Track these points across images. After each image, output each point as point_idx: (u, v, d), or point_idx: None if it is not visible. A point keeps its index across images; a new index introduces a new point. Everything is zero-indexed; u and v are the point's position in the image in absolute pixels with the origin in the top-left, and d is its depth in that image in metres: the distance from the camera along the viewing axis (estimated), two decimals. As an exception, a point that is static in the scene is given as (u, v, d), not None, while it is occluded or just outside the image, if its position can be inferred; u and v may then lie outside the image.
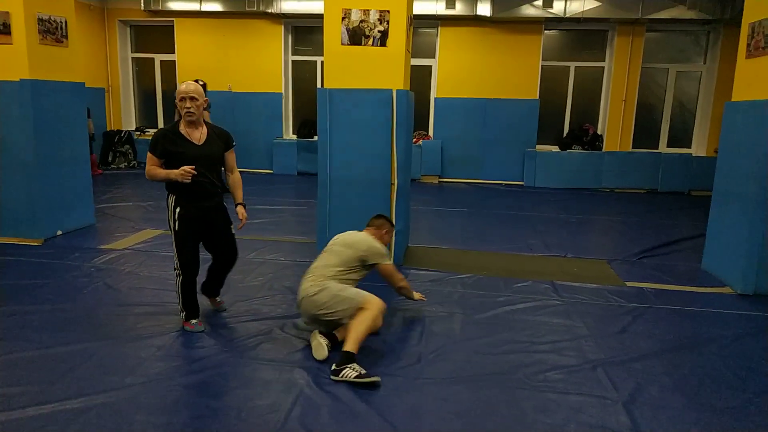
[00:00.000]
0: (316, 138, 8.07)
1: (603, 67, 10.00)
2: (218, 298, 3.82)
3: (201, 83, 8.87)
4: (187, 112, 3.21)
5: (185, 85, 3.25)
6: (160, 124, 11.46)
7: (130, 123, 11.45)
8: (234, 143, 3.51)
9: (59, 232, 5.53)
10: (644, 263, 5.24)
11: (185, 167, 3.14)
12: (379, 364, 3.11)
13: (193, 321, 3.46)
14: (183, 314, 3.48)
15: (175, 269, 3.43)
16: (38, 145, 5.20)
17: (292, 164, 10.27)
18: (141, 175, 9.75)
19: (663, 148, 10.10)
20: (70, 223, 5.70)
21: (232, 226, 3.55)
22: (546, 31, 9.82)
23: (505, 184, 9.90)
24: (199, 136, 3.30)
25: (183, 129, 3.28)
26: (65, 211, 5.61)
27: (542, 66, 9.78)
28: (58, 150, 5.45)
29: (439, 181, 10.06)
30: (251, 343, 3.34)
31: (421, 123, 10.21)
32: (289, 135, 10.77)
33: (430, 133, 10.33)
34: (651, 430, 2.55)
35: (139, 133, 11.15)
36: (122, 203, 7.36)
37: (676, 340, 3.56)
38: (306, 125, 10.56)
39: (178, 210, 3.31)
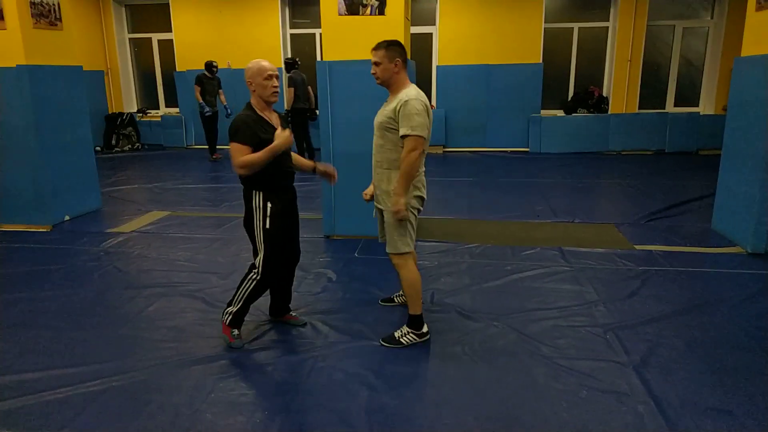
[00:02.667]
0: (318, 112, 8.07)
1: (607, 27, 9.78)
2: (293, 313, 3.37)
3: (214, 65, 8.86)
4: (274, 92, 2.85)
5: (263, 63, 2.83)
6: (162, 105, 11.41)
7: (131, 105, 11.39)
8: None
9: (67, 218, 5.55)
10: (653, 225, 5.21)
11: (280, 131, 2.80)
12: (386, 330, 3.13)
13: (235, 332, 3.07)
14: (228, 318, 3.05)
15: (254, 268, 3.01)
16: (40, 130, 5.17)
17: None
18: (145, 158, 9.84)
19: (670, 107, 9.94)
20: (77, 207, 5.71)
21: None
22: (548, -8, 9.60)
23: (511, 151, 9.82)
24: (275, 119, 2.95)
25: (262, 113, 2.89)
26: (71, 195, 5.62)
27: (545, 28, 9.57)
28: (60, 135, 5.43)
29: (444, 152, 9.98)
30: (264, 319, 3.36)
31: (423, 92, 10.05)
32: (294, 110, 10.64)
33: (433, 102, 10.20)
34: (663, 393, 2.56)
35: (141, 114, 11.10)
36: (128, 186, 7.37)
37: (686, 301, 3.54)
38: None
39: (269, 206, 2.90)
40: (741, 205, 4.58)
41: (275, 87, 2.85)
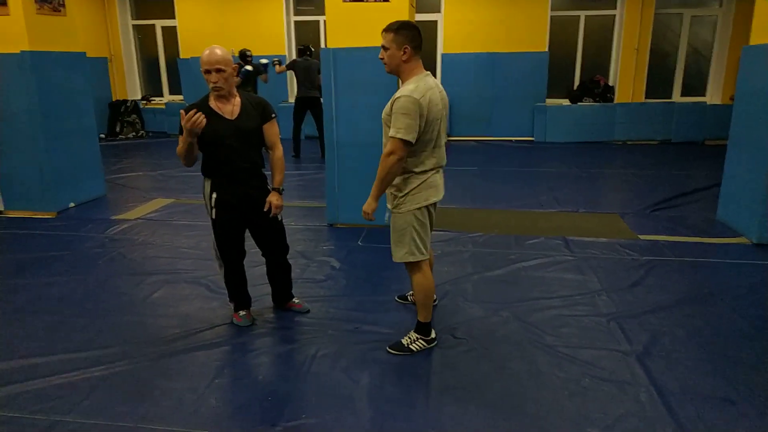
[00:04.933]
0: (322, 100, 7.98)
1: (614, 15, 9.68)
2: (295, 300, 3.37)
3: (248, 54, 8.34)
4: (214, 87, 2.76)
5: (209, 53, 2.72)
6: (166, 92, 11.39)
7: (135, 92, 11.37)
8: (274, 114, 2.98)
9: (72, 204, 5.57)
10: (657, 216, 5.19)
11: (189, 114, 2.63)
12: (391, 323, 3.14)
13: (241, 313, 3.17)
14: (232, 305, 3.22)
15: (216, 260, 3.13)
16: (44, 117, 5.17)
17: (299, 128, 10.16)
18: (150, 145, 9.83)
19: (677, 97, 9.86)
20: (82, 194, 5.73)
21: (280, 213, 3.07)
22: (555, -20, 9.50)
23: (515, 140, 9.77)
24: (231, 109, 2.85)
25: (213, 103, 2.84)
26: (76, 182, 5.63)
27: (551, 16, 9.48)
28: (64, 121, 5.43)
29: (448, 140, 9.95)
30: (269, 305, 3.37)
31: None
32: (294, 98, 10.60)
33: (438, 90, 10.13)
34: (665, 382, 2.57)
35: (145, 102, 11.08)
36: (132, 173, 7.38)
37: (690, 291, 3.54)
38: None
39: (214, 196, 2.90)
40: (747, 196, 4.55)
41: (213, 82, 2.74)
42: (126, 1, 10.93)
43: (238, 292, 3.17)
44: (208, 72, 2.74)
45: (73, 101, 5.55)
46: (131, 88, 11.31)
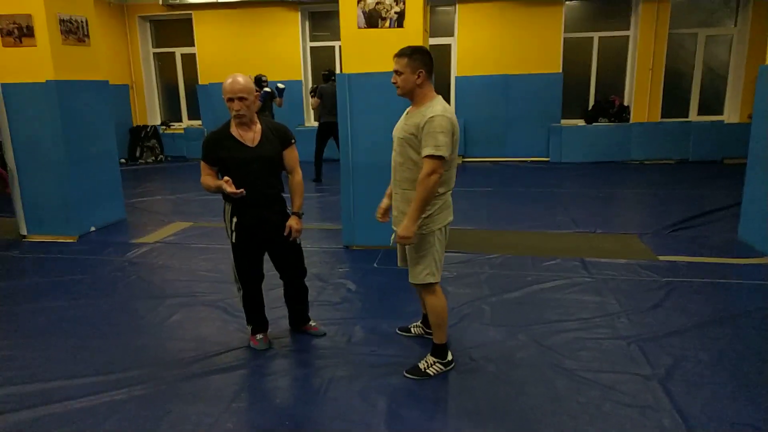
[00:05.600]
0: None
1: (628, 36, 9.71)
2: (312, 323, 3.37)
3: (264, 79, 8.35)
4: (236, 115, 2.80)
5: (231, 82, 2.77)
6: (185, 118, 11.60)
7: (155, 118, 11.61)
8: (293, 140, 3.02)
9: (93, 228, 5.67)
10: (677, 236, 5.12)
11: (230, 187, 2.73)
12: (407, 346, 3.12)
13: (258, 336, 3.17)
14: (249, 329, 3.22)
15: (235, 282, 3.13)
16: (67, 143, 5.31)
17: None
18: (169, 169, 9.99)
19: (693, 116, 9.79)
20: (102, 218, 5.83)
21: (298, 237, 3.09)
22: (567, 2, 9.56)
23: (531, 161, 9.76)
24: (252, 136, 2.88)
25: (234, 130, 2.87)
26: (97, 207, 5.74)
27: (565, 38, 9.54)
28: (86, 147, 5.56)
29: (463, 161, 9.96)
30: (285, 329, 3.38)
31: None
32: (311, 122, 10.77)
33: (452, 112, 10.19)
34: (688, 406, 2.51)
35: (164, 127, 11.30)
36: (151, 197, 7.50)
37: (712, 313, 3.47)
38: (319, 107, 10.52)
39: (234, 220, 2.94)
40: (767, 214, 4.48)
41: (236, 110, 2.78)
42: (147, 30, 11.24)
43: (255, 315, 3.18)
44: (230, 100, 2.78)
45: (95, 127, 5.68)
46: (151, 114, 11.55)
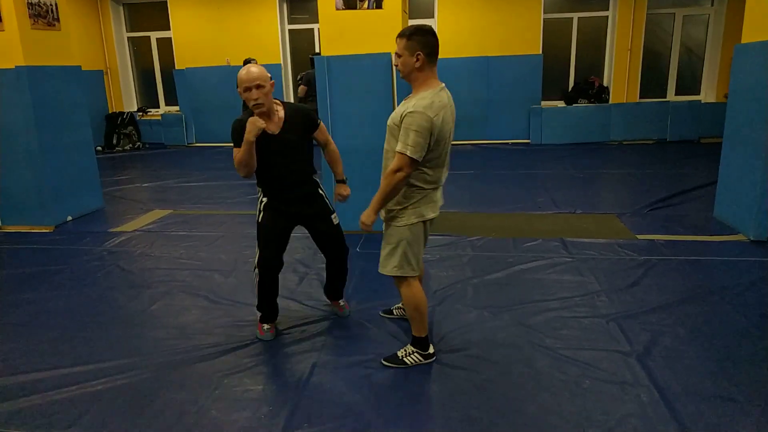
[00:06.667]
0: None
1: (607, 17, 9.73)
2: (341, 302, 3.41)
3: (253, 61, 8.29)
4: (255, 105, 2.75)
5: (246, 72, 2.74)
6: (162, 103, 11.41)
7: (131, 104, 11.39)
8: (319, 121, 3.03)
9: (69, 218, 5.57)
10: (655, 215, 5.20)
11: (252, 119, 2.72)
12: (389, 329, 3.14)
13: (265, 326, 3.13)
14: (258, 315, 3.18)
15: (254, 267, 3.05)
16: (40, 132, 5.18)
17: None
18: (147, 156, 9.85)
19: (671, 96, 9.90)
20: (80, 207, 5.73)
21: (333, 216, 3.11)
22: (547, -18, 9.55)
23: (511, 143, 9.79)
24: (275, 124, 2.86)
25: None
26: (73, 196, 5.63)
27: (544, 19, 9.53)
28: (60, 135, 5.43)
29: (445, 144, 9.94)
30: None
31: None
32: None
33: (433, 95, 10.16)
34: (666, 382, 2.56)
35: (141, 113, 11.10)
36: (129, 185, 7.38)
37: (689, 290, 3.54)
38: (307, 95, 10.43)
39: (264, 201, 2.97)
40: (743, 193, 4.56)
41: (254, 99, 2.75)
42: (121, 14, 10.97)
43: (267, 303, 3.12)
44: (248, 89, 2.74)
45: (69, 115, 5.55)
46: (127, 100, 11.33)
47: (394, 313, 3.33)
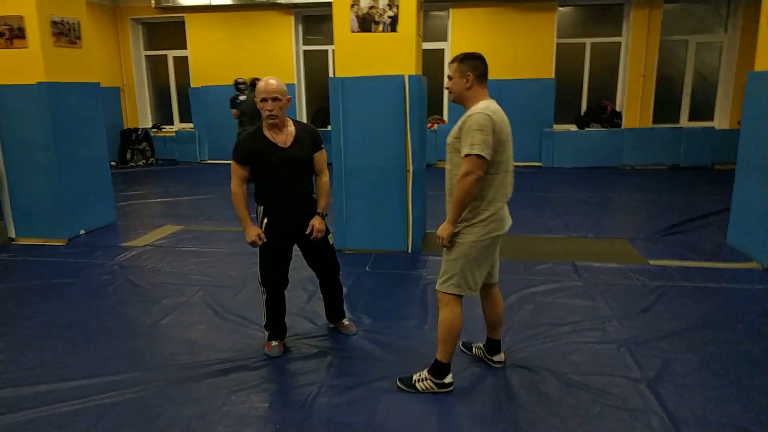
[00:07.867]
0: (329, 127, 8.02)
1: (620, 42, 9.78)
2: (345, 321, 3.41)
3: (240, 81, 8.33)
4: (269, 115, 2.84)
5: (265, 83, 2.84)
6: (176, 121, 11.57)
7: (146, 120, 11.56)
8: (322, 143, 3.08)
9: (82, 232, 5.63)
10: (667, 241, 5.16)
11: (257, 236, 2.93)
12: (398, 350, 3.12)
13: (273, 343, 3.14)
14: (266, 334, 3.19)
15: (259, 285, 3.13)
16: (58, 146, 5.27)
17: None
18: (159, 173, 9.95)
19: (684, 122, 9.89)
20: (92, 221, 5.79)
21: (330, 236, 3.17)
22: (560, 8, 9.63)
23: (523, 166, 9.78)
24: (284, 138, 2.93)
25: (267, 132, 2.92)
26: (87, 210, 5.70)
27: (557, 44, 9.60)
28: (77, 150, 5.52)
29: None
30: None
31: (435, 108, 10.12)
32: (304, 125, 10.74)
33: (445, 117, 10.24)
34: (677, 409, 2.52)
35: (155, 130, 11.26)
36: (142, 200, 7.46)
37: (701, 317, 3.50)
38: (319, 115, 10.55)
39: (265, 221, 3.00)
40: (756, 220, 4.52)
41: (269, 110, 2.83)
42: (139, 33, 11.20)
43: (275, 321, 3.16)
44: (264, 100, 2.84)
45: (86, 130, 5.65)
46: (142, 117, 11.51)
47: (473, 352, 3.10)
